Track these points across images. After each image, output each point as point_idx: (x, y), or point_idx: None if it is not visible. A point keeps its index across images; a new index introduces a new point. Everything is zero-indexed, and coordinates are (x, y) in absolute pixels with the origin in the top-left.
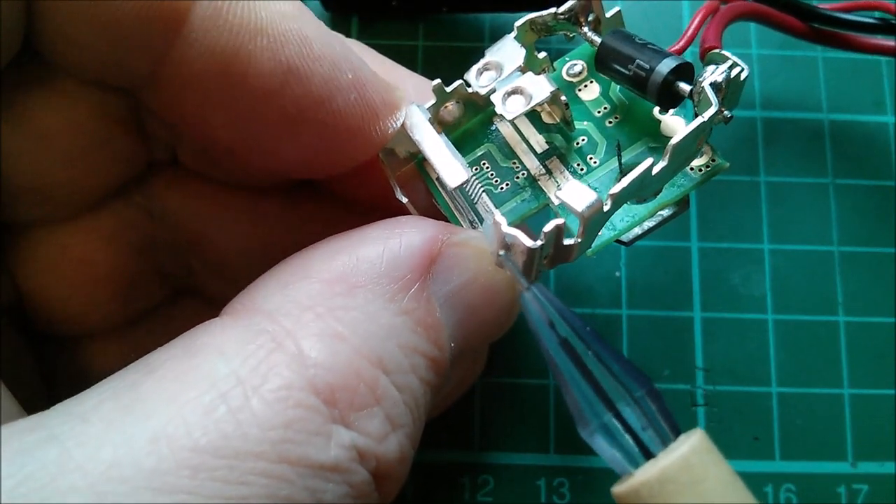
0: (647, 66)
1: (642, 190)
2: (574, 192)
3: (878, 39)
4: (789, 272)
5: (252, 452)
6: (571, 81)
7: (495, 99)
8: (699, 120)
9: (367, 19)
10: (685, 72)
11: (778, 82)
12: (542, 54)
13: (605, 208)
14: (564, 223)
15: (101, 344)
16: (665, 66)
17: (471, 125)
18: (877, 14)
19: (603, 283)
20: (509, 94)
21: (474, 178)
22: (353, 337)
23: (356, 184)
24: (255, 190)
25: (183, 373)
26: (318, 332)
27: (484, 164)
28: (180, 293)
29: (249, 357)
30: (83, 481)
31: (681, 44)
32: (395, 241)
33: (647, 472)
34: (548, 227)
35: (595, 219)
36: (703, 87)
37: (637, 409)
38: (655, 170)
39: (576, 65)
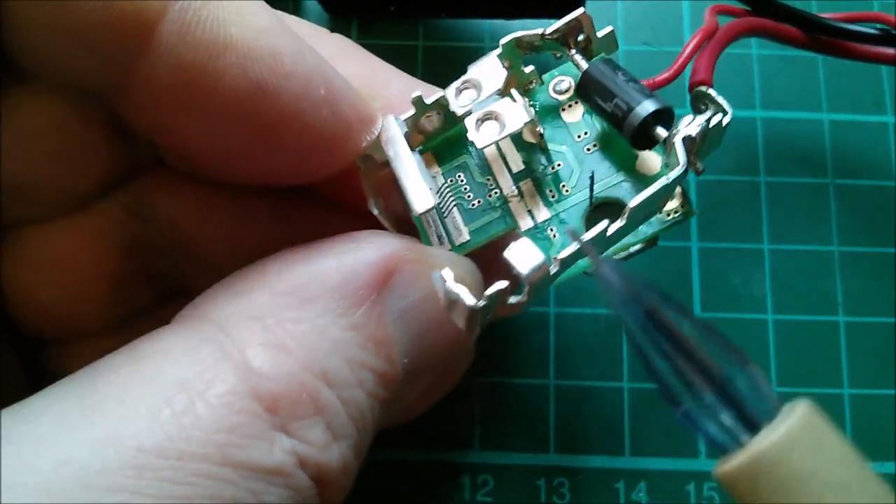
0: (625, 107)
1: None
2: (521, 253)
3: (879, 48)
4: (789, 272)
5: (196, 454)
6: (557, 98)
7: (468, 123)
8: (662, 181)
9: (366, 20)
10: (665, 116)
11: (778, 82)
12: (530, 68)
13: (552, 271)
14: (509, 286)
15: (89, 346)
16: (643, 110)
17: (453, 133)
18: (878, 25)
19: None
20: (483, 119)
21: (448, 189)
22: (298, 349)
23: (342, 187)
24: (246, 190)
25: (130, 377)
26: (265, 343)
27: (459, 176)
28: (170, 294)
29: (196, 364)
30: (32, 479)
31: (670, 72)
32: (351, 256)
33: (764, 441)
34: (491, 290)
35: (541, 279)
36: (673, 141)
37: (739, 383)
38: (611, 230)
39: (563, 81)
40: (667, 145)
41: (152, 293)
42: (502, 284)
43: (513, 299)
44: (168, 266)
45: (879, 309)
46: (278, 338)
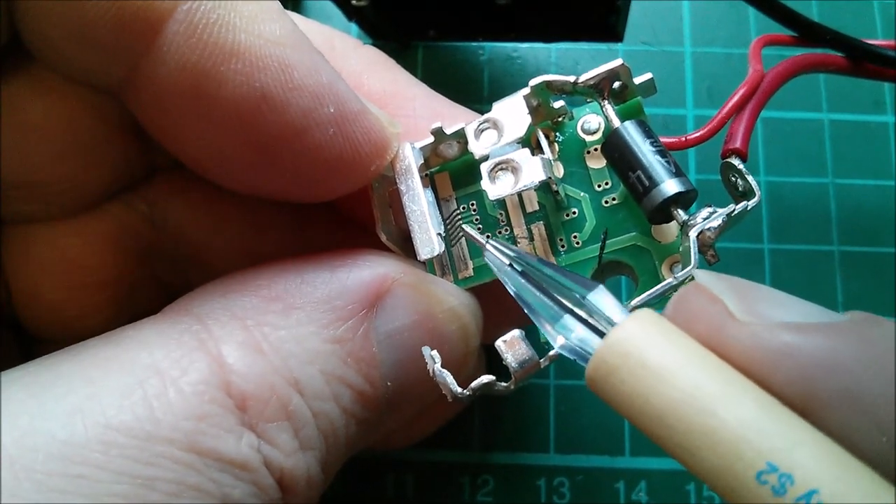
0: (648, 183)
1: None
2: (511, 345)
3: None
4: (789, 272)
5: (163, 437)
6: (584, 139)
7: (483, 169)
8: (667, 283)
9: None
10: (687, 198)
11: None
12: (559, 103)
13: (543, 365)
14: (494, 380)
15: None
16: (665, 190)
17: (472, 157)
18: None
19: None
20: (498, 167)
21: (459, 216)
22: (272, 353)
23: (354, 202)
24: (259, 200)
25: (105, 359)
26: (241, 342)
27: (472, 205)
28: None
29: (171, 352)
30: None
31: (704, 131)
32: (345, 271)
33: (605, 340)
34: (476, 383)
35: (530, 371)
36: (689, 234)
37: (588, 306)
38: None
39: (593, 121)
40: (683, 230)
41: (159, 298)
42: (487, 379)
43: (499, 387)
44: (175, 272)
45: (879, 309)
46: (255, 339)
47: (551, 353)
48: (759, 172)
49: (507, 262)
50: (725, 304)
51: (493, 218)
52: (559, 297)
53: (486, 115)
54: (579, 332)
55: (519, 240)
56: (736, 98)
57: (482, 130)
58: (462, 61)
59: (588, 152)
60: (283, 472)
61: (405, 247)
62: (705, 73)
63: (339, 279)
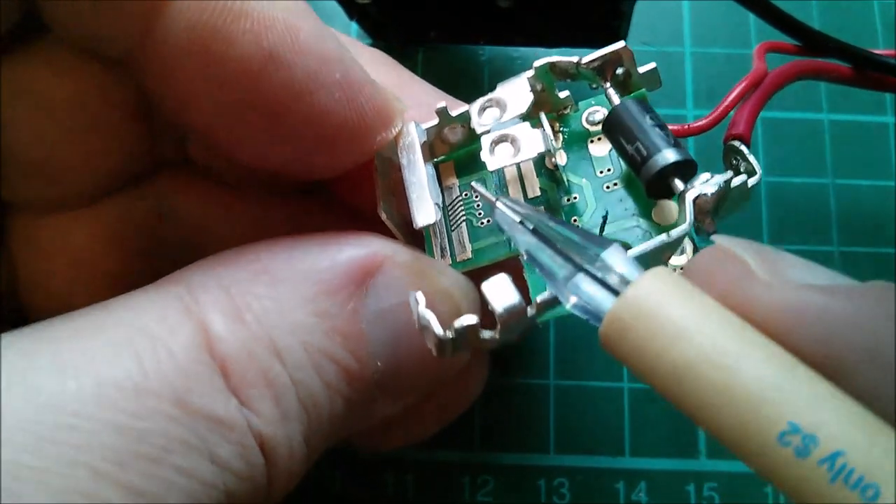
0: (645, 153)
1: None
2: (497, 288)
3: None
4: None
5: (153, 391)
6: (588, 129)
7: (484, 142)
8: (661, 238)
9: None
10: (686, 168)
11: None
12: (565, 93)
13: (530, 313)
14: (478, 322)
15: None
16: (662, 159)
17: (477, 147)
18: None
19: None
20: (499, 141)
21: (460, 202)
22: (253, 322)
23: (358, 192)
24: (265, 194)
25: (96, 321)
26: (223, 310)
27: (475, 192)
28: None
29: (160, 317)
30: None
31: (707, 120)
32: (335, 247)
33: (620, 299)
34: (459, 323)
35: (516, 319)
36: (685, 198)
37: (602, 264)
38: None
39: (598, 112)
40: (680, 200)
41: None
42: (472, 319)
43: (485, 335)
44: (180, 265)
45: None
46: (237, 307)
47: (539, 298)
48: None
49: (518, 219)
50: (749, 263)
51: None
52: (572, 256)
53: (489, 95)
54: (593, 291)
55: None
56: (739, 89)
57: (485, 109)
58: (462, 62)
59: (591, 141)
60: (263, 439)
61: (405, 231)
62: (705, 73)
63: (329, 254)
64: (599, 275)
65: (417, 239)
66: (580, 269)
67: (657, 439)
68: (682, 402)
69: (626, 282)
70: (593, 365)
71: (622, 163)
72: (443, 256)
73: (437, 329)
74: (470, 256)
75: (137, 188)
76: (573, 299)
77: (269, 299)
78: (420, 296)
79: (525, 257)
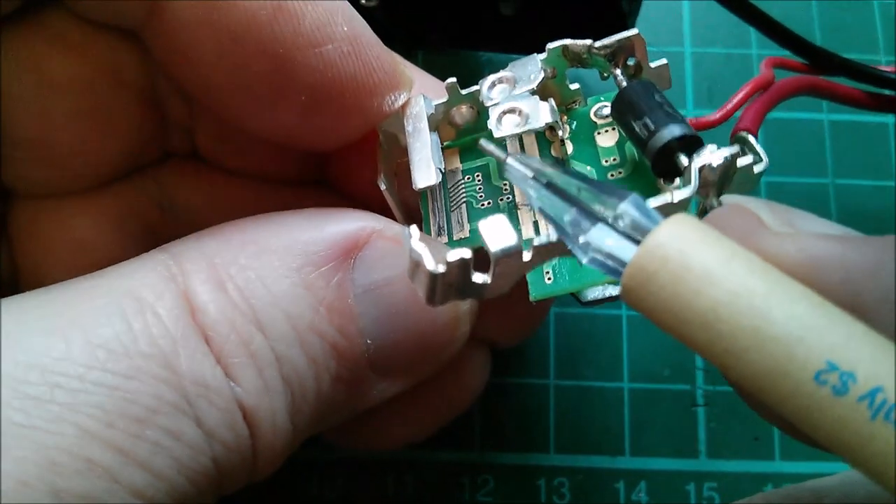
0: (652, 127)
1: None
2: (493, 229)
3: None
4: None
5: (142, 353)
6: (596, 123)
7: (492, 113)
8: (664, 197)
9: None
10: (691, 144)
11: None
12: (575, 86)
13: (526, 258)
14: (472, 258)
15: None
16: (668, 133)
17: (484, 134)
18: None
19: None
20: (506, 112)
21: (462, 185)
22: (234, 291)
23: (362, 179)
24: (268, 186)
25: (83, 286)
26: (206, 279)
27: (477, 175)
28: None
29: (147, 283)
30: None
31: (716, 116)
32: (322, 220)
33: (641, 247)
34: (452, 257)
35: (511, 264)
36: (690, 166)
37: (621, 214)
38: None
39: (606, 107)
40: (685, 173)
41: None
42: (466, 253)
43: (477, 277)
44: None
45: None
46: (220, 277)
47: (537, 242)
48: None
49: (531, 173)
50: (760, 217)
51: (496, 187)
52: (588, 208)
53: (499, 73)
54: (612, 242)
55: (520, 206)
56: (746, 90)
57: (494, 85)
58: (462, 65)
59: (598, 133)
60: (246, 409)
61: (403, 210)
62: (705, 73)
63: (315, 227)
64: (620, 224)
65: (416, 220)
66: (598, 219)
67: (657, 439)
68: (710, 350)
69: (646, 230)
70: (593, 365)
71: (627, 153)
72: (440, 235)
73: (429, 263)
74: (467, 235)
75: (140, 178)
76: (590, 254)
77: (253, 270)
78: (414, 229)
79: (538, 214)
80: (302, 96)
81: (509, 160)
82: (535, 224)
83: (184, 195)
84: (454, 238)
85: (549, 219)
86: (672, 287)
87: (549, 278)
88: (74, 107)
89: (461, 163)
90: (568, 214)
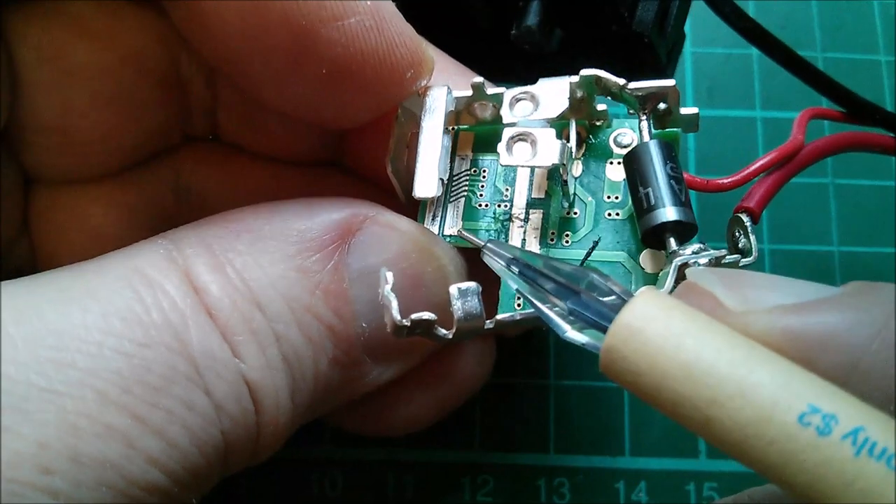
0: (652, 202)
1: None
2: (464, 295)
3: None
4: (789, 272)
5: (154, 324)
6: (612, 150)
7: (505, 134)
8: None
9: None
10: (685, 230)
11: (778, 81)
12: (602, 106)
13: (487, 326)
14: (436, 321)
15: None
16: (664, 215)
17: (500, 128)
18: None
19: None
20: (518, 138)
21: (466, 176)
22: (233, 273)
23: (376, 160)
24: (283, 169)
25: (95, 265)
26: (205, 263)
27: (484, 172)
28: None
29: (151, 264)
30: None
31: (730, 181)
32: (317, 207)
33: (613, 324)
34: (416, 316)
35: (472, 328)
36: (672, 263)
37: (586, 297)
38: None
39: (627, 135)
40: (669, 258)
41: None
42: (429, 316)
43: (440, 331)
44: None
45: None
46: (219, 261)
47: (499, 316)
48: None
49: (505, 263)
50: (717, 297)
51: (498, 191)
52: (564, 284)
53: (527, 87)
54: (587, 320)
55: (514, 219)
56: (769, 157)
57: (518, 100)
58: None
59: (611, 163)
60: (250, 384)
61: (408, 189)
62: (705, 73)
63: (311, 213)
64: (591, 303)
65: (418, 202)
66: (568, 308)
67: (657, 439)
68: (697, 401)
69: (616, 309)
70: (593, 365)
71: (631, 199)
72: (433, 222)
73: (395, 314)
74: (455, 234)
75: (156, 164)
76: (570, 332)
77: (250, 255)
78: (389, 275)
79: (518, 294)
80: (323, 69)
81: (486, 249)
82: (524, 241)
83: (199, 180)
84: (445, 232)
85: (528, 301)
86: (649, 354)
87: (519, 304)
88: (96, 94)
89: (473, 152)
90: (545, 299)
